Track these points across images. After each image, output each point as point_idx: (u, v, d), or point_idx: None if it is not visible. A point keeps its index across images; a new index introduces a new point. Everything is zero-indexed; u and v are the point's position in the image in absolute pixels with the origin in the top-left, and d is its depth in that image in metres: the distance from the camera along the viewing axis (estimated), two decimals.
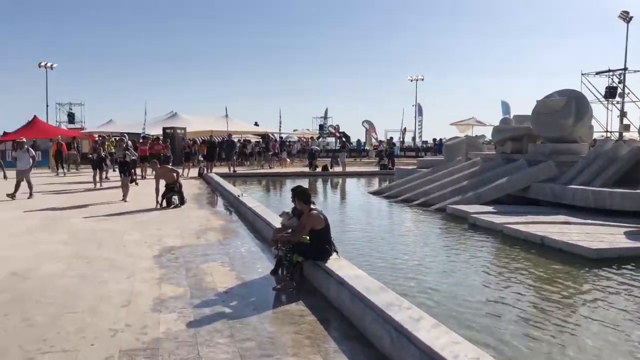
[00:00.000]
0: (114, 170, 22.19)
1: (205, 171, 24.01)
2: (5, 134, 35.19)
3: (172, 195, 13.33)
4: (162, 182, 13.48)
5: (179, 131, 33.45)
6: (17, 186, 14.90)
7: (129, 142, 19.28)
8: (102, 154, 19.92)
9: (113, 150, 23.77)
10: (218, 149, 28.76)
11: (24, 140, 16.63)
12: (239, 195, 12.95)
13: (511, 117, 22.42)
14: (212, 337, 4.57)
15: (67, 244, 8.59)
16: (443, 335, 3.83)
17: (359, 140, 52.82)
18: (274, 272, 6.73)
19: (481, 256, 8.72)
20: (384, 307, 4.48)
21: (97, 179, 19.06)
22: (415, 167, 22.01)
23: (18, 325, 4.79)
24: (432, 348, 3.60)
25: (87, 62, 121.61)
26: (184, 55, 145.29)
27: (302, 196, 6.33)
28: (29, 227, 10.12)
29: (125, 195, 14.74)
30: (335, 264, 6.03)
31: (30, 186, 15.18)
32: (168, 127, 34.48)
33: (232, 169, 26.50)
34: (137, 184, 19.04)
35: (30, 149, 16.17)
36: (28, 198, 14.74)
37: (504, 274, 7.54)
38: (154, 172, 14.01)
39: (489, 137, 22.54)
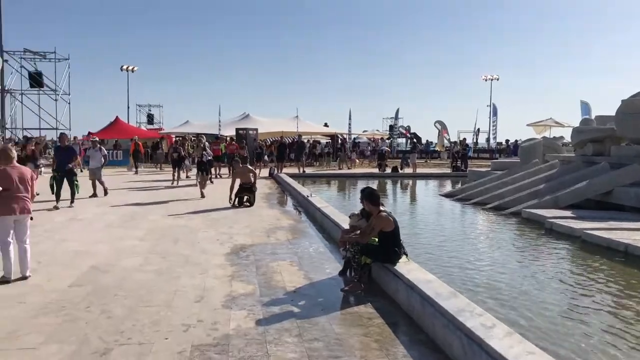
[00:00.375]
0: (190, 170, 23.10)
1: (276, 171, 24.40)
2: (90, 133, 37.19)
3: (245, 194, 13.60)
4: (237, 181, 13.83)
5: (251, 132, 34.14)
6: (93, 185, 15.45)
7: (206, 143, 20.12)
8: (183, 153, 21.18)
9: (191, 151, 24.85)
10: (288, 150, 29.17)
11: (97, 139, 17.47)
12: (307, 196, 13.06)
13: (592, 117, 21.33)
14: (280, 336, 4.62)
15: (144, 239, 8.96)
16: (517, 344, 3.68)
17: (427, 142, 52.04)
18: (342, 273, 6.73)
19: (558, 263, 8.33)
20: (455, 313, 4.36)
21: (176, 176, 20.13)
22: (489, 169, 21.39)
23: (98, 317, 5.03)
24: (505, 357, 3.47)
25: (165, 65, 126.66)
26: (256, 58, 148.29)
27: (370, 197, 6.28)
28: (110, 224, 10.64)
29: (202, 192, 15.58)
30: (405, 267, 5.94)
31: (102, 185, 15.61)
32: (241, 128, 35.28)
33: (301, 170, 26.78)
34: (212, 182, 19.70)
35: (102, 147, 16.63)
36: (104, 196, 15.38)
37: (582, 282, 7.17)
38: (232, 171, 14.43)
39: (568, 138, 21.51)
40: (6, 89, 32.33)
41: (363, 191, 6.45)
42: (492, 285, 6.92)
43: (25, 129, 36.72)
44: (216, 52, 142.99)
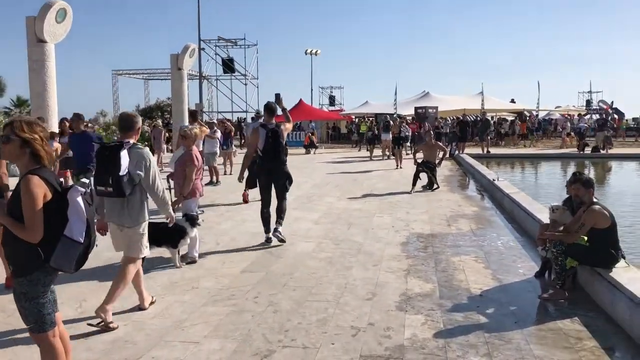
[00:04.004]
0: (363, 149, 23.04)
1: (457, 151, 23.06)
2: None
3: (421, 172, 12.52)
4: (419, 156, 13.22)
5: (430, 111, 33.05)
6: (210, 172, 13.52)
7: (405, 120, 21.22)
8: (376, 132, 24.19)
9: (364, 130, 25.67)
10: (470, 129, 27.54)
11: (214, 121, 17.03)
12: (494, 180, 11.81)
13: None
14: (465, 354, 3.84)
15: (319, 223, 8.69)
16: None
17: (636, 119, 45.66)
18: (539, 274, 5.69)
19: None
20: None
21: (372, 153, 23.17)
22: None
23: (265, 310, 4.72)
24: None
25: (345, 47, 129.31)
26: (436, 34, 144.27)
27: (584, 183, 5.10)
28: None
29: (398, 164, 18.32)
30: (625, 274, 4.73)
31: (213, 172, 13.62)
32: (420, 106, 34.36)
33: (485, 150, 25.01)
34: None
35: (218, 131, 14.74)
36: (208, 184, 12.61)
37: None
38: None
39: None
40: (203, 75, 35.29)
41: (574, 175, 5.30)
42: None
43: (219, 112, 39.94)
44: (393, 29, 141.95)
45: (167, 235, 5.91)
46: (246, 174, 7.93)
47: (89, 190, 3.01)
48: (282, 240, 7.15)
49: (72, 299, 5.02)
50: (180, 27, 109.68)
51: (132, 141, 4.41)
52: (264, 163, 7.10)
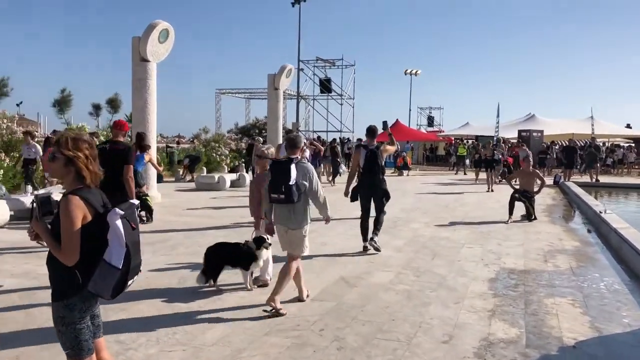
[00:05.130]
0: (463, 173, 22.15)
1: (562, 179, 21.53)
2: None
3: (517, 200, 11.70)
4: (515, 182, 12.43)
5: (534, 134, 31.43)
6: None
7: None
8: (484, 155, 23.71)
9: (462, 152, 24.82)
10: (579, 155, 25.71)
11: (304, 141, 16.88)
12: (600, 212, 10.76)
13: None
14: None
15: (401, 251, 8.26)
16: None
17: None
18: None
19: None
20: None
21: (477, 176, 22.47)
22: None
23: (328, 346, 4.41)
24: None
25: (446, 67, 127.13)
26: (542, 56, 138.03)
27: None
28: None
29: (490, 187, 18.26)
30: None
31: None
32: (524, 129, 32.80)
33: (594, 178, 23.17)
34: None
35: (307, 150, 14.77)
36: None
37: None
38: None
39: None
40: (300, 94, 35.85)
41: None
42: None
43: (315, 131, 40.34)
44: (495, 50, 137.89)
45: (238, 256, 5.82)
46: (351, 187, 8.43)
47: (137, 212, 2.89)
48: (377, 249, 7.94)
49: (138, 314, 5.01)
50: (281, 48, 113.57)
51: (296, 157, 5.25)
52: (363, 179, 8.02)
